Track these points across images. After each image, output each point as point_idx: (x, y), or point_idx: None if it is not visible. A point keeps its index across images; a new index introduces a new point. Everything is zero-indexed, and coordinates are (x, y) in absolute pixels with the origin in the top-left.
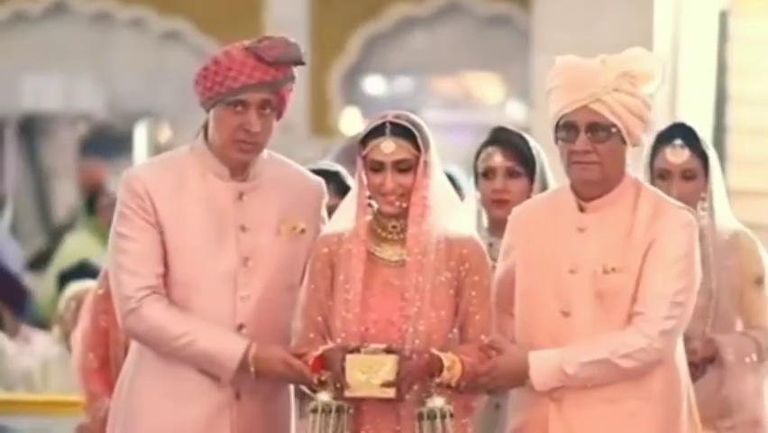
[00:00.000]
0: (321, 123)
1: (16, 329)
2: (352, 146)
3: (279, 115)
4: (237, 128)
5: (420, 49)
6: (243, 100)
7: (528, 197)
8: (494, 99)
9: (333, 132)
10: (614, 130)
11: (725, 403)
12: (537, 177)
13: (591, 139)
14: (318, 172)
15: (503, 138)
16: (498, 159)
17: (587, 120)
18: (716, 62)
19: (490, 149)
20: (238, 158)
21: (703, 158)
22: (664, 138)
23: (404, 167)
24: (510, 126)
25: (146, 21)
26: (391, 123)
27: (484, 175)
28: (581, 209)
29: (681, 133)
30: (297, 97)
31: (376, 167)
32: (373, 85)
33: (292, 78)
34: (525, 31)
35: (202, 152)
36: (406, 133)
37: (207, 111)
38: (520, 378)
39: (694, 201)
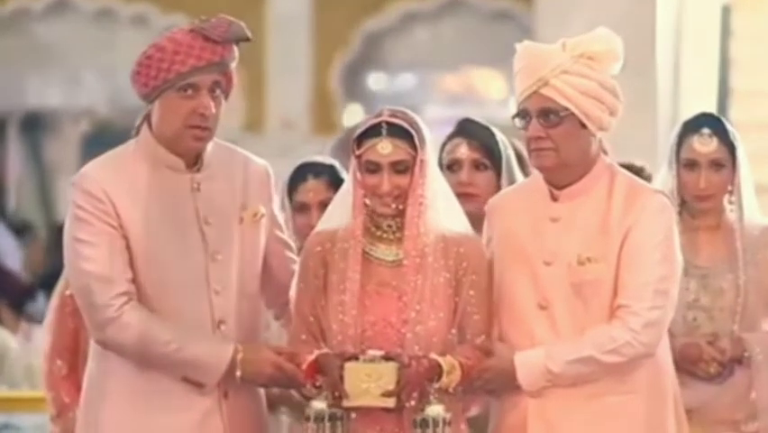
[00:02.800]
0: (323, 119)
1: (16, 326)
2: (349, 138)
3: (227, 97)
4: (190, 113)
5: (423, 44)
6: (194, 83)
7: (496, 190)
8: (497, 95)
9: (336, 128)
10: (564, 114)
11: (752, 406)
12: (504, 170)
13: (544, 125)
14: (312, 165)
15: (469, 130)
16: (463, 150)
17: (537, 106)
18: (718, 57)
19: (456, 140)
20: (193, 146)
21: (731, 149)
22: (691, 127)
23: (401, 168)
24: (477, 119)
25: (148, 17)
26: (387, 122)
27: (449, 168)
28: (554, 198)
29: (708, 122)
30: (299, 94)
31: (372, 168)
32: (376, 81)
33: (236, 58)
34: (528, 26)
35: (150, 146)
36: (402, 132)
37: (151, 102)
38: (511, 379)
39: (722, 193)
